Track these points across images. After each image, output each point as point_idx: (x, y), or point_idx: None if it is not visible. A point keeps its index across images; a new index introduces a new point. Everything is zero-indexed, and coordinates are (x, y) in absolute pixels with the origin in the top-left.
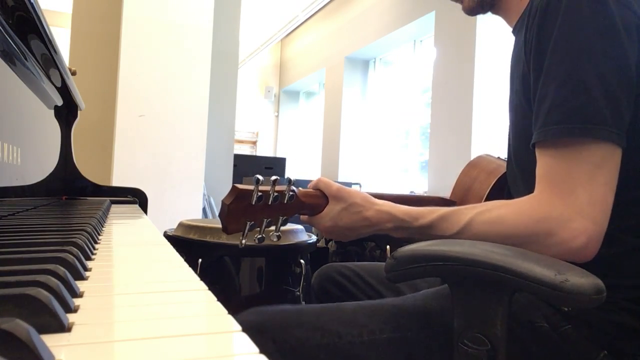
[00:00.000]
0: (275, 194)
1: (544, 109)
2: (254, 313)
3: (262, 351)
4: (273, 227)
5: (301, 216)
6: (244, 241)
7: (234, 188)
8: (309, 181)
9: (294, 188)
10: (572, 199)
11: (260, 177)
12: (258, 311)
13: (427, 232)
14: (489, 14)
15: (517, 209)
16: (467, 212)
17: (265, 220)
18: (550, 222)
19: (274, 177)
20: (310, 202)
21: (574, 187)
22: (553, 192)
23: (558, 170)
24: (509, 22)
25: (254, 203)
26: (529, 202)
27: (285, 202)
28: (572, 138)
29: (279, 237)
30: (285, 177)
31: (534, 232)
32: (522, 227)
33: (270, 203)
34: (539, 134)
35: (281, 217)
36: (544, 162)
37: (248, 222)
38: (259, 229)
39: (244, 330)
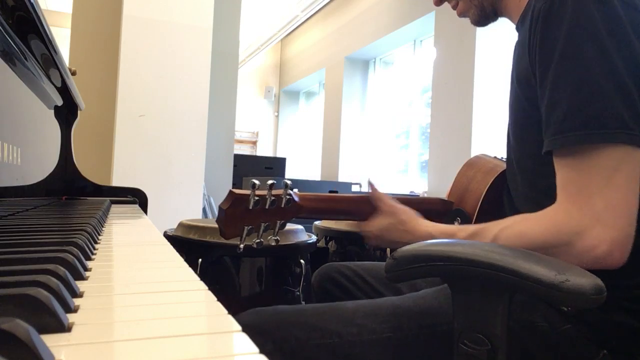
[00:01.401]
0: (272, 198)
1: (558, 115)
2: (253, 314)
3: (261, 352)
4: (271, 231)
5: (350, 222)
6: (242, 246)
7: (230, 193)
8: (310, 181)
9: (291, 192)
10: (589, 207)
11: (257, 182)
12: (257, 312)
13: None
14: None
15: (536, 222)
16: (493, 229)
17: (263, 224)
18: (568, 232)
19: (270, 181)
20: (311, 205)
21: (590, 194)
22: (570, 202)
23: (575, 179)
24: (512, 20)
25: (251, 208)
26: (549, 214)
27: (283, 206)
28: (589, 145)
29: (277, 242)
30: (283, 181)
31: (553, 243)
32: (541, 239)
33: (267, 207)
34: (554, 142)
35: (279, 221)
36: (562, 172)
37: (246, 227)
38: (256, 233)
39: (244, 331)
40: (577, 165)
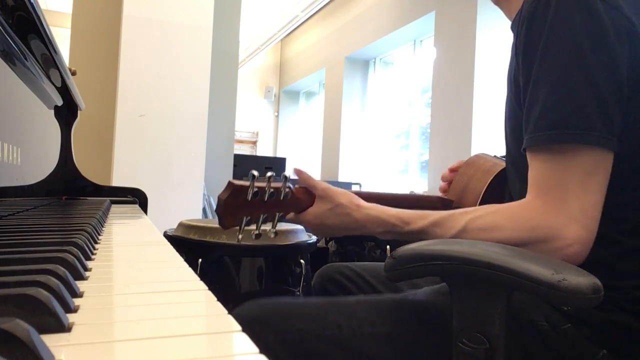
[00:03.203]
0: (271, 190)
1: (535, 114)
2: (255, 305)
3: (263, 342)
4: (270, 223)
5: (287, 215)
6: (240, 236)
7: (229, 184)
8: None
9: (290, 185)
10: (565, 207)
11: (256, 173)
12: (259, 303)
13: (418, 237)
14: (493, 5)
15: (510, 215)
16: (461, 218)
17: (262, 216)
18: (544, 229)
19: (269, 174)
20: (306, 199)
21: (567, 194)
22: (546, 200)
23: (550, 177)
24: (508, 16)
25: (249, 199)
26: (523, 209)
27: (282, 198)
28: (564, 144)
29: (275, 234)
30: (282, 174)
31: (528, 239)
32: (515, 234)
33: (266, 199)
34: (530, 140)
35: (277, 214)
36: (536, 168)
37: (244, 218)
38: (255, 224)
39: (245, 322)
40: (552, 164)
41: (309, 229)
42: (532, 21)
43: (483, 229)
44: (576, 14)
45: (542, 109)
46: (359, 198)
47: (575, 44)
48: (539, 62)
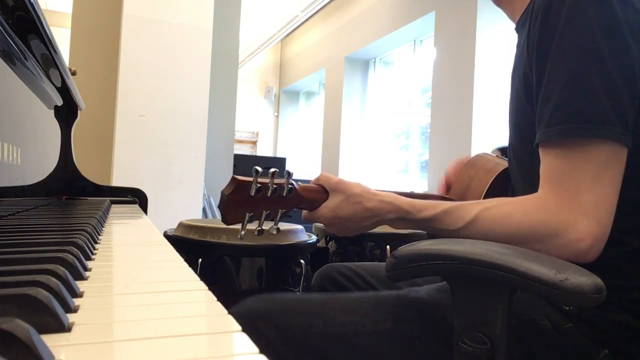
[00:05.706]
0: (274, 186)
1: (548, 109)
2: (257, 300)
3: (264, 337)
4: (273, 220)
5: (302, 213)
6: (243, 232)
7: (233, 179)
8: (309, 181)
9: (293, 181)
10: (578, 201)
11: (259, 169)
12: (261, 298)
13: (429, 225)
14: (493, 5)
15: (523, 208)
16: (473, 208)
17: (265, 212)
18: (556, 223)
19: (272, 169)
20: (310, 196)
21: (580, 188)
22: (559, 194)
23: (563, 171)
24: (512, 17)
25: (252, 194)
26: (536, 202)
27: (284, 194)
28: (577, 138)
29: (278, 230)
30: (285, 170)
31: (539, 232)
32: (527, 227)
33: (269, 195)
34: (543, 135)
35: (280, 210)
36: (549, 162)
37: (247, 214)
38: (258, 221)
39: (247, 316)
40: (565, 158)
41: (325, 225)
42: (547, 16)
43: (494, 220)
44: (590, 9)
45: (556, 103)
46: (372, 189)
47: (589, 39)
48: (553, 58)
